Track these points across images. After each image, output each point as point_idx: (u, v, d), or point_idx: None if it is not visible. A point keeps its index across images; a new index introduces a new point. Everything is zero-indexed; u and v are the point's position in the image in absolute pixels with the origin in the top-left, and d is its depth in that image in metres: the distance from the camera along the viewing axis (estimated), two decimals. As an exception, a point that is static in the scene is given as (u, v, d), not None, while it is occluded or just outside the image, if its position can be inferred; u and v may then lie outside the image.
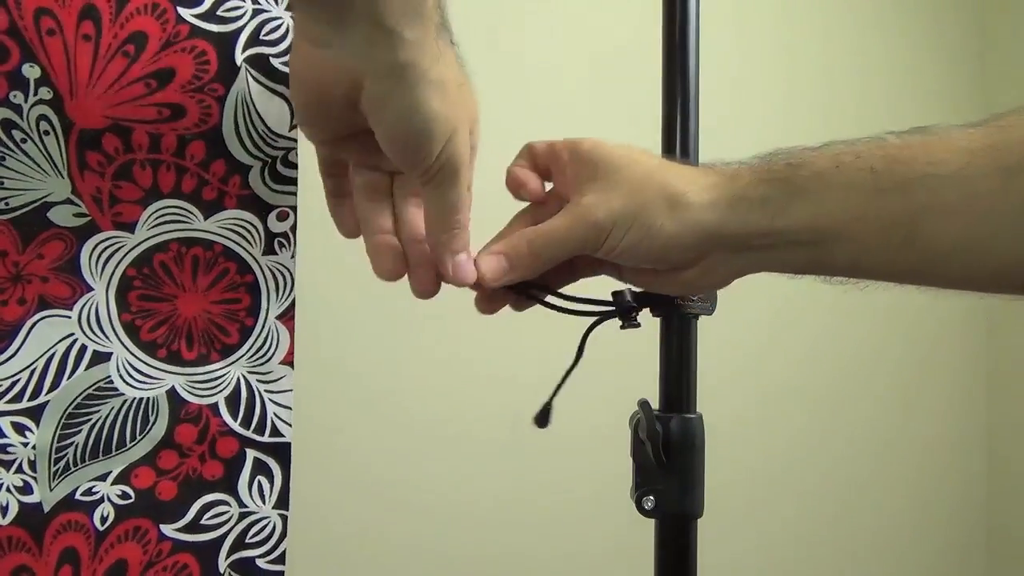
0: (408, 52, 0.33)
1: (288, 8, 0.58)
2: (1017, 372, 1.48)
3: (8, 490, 0.53)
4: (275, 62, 0.57)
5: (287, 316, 0.59)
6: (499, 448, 1.12)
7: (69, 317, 0.55)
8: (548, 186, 0.48)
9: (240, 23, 0.56)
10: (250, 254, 0.58)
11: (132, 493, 0.56)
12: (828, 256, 0.39)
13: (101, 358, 0.55)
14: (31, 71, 0.52)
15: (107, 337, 0.55)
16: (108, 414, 0.56)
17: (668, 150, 0.53)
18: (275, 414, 0.59)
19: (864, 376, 1.42)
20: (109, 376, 0.56)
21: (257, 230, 0.58)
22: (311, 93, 0.37)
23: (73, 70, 0.53)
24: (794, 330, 1.33)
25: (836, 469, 1.40)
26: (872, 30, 1.43)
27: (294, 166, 0.58)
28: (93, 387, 0.55)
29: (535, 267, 0.42)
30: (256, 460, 0.59)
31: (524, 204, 0.48)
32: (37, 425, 0.54)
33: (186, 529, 0.57)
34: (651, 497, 0.46)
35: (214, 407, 0.58)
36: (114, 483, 0.56)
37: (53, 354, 0.54)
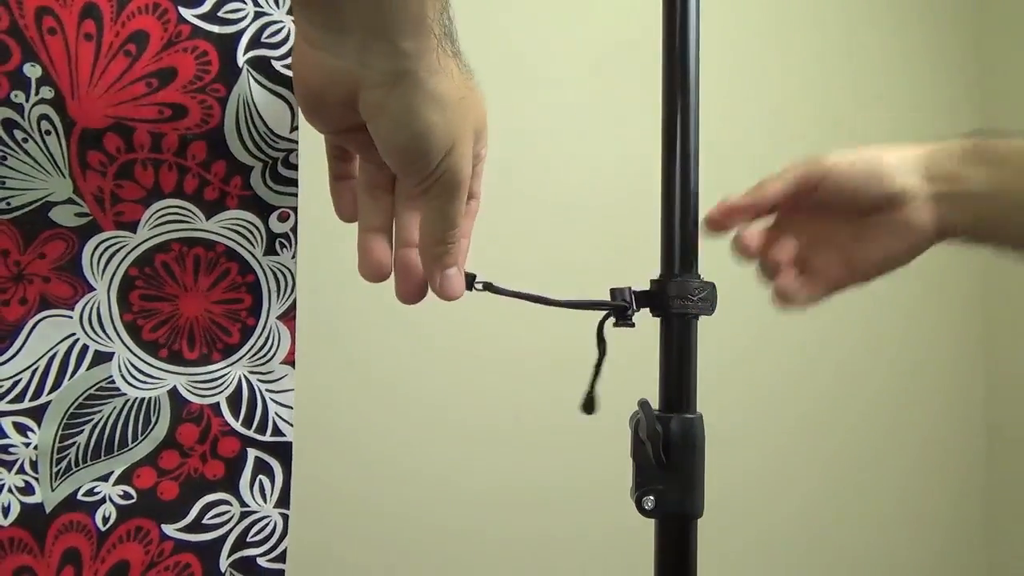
0: (405, 62, 0.32)
1: (289, 11, 0.58)
2: (1014, 372, 1.48)
3: (10, 491, 0.53)
4: (276, 65, 0.57)
5: (288, 316, 0.60)
6: (500, 448, 1.13)
7: (71, 317, 0.55)
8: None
9: (242, 25, 0.57)
10: (251, 254, 0.58)
11: (134, 493, 0.56)
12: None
13: (103, 358, 0.55)
14: (32, 70, 0.52)
15: (109, 337, 0.55)
16: (110, 414, 0.56)
17: (668, 150, 0.53)
18: (276, 414, 0.59)
19: (863, 376, 1.43)
20: (111, 376, 0.56)
21: (258, 230, 0.58)
22: (311, 91, 0.37)
23: (74, 69, 0.53)
24: (793, 330, 1.33)
25: (835, 469, 1.40)
26: (868, 28, 1.43)
27: (295, 167, 0.59)
28: (95, 387, 0.55)
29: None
30: (257, 460, 0.59)
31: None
32: (39, 425, 0.54)
33: (188, 529, 0.57)
34: (651, 497, 0.46)
35: (215, 407, 0.58)
36: (116, 483, 0.56)
37: (55, 354, 0.54)
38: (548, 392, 1.05)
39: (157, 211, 0.56)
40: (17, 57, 0.52)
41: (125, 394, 0.56)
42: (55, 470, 0.54)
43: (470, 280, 0.43)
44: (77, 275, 0.55)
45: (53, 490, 0.54)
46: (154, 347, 0.57)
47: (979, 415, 1.53)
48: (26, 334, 0.54)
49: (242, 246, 0.58)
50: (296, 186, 0.59)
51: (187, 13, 0.55)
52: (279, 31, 0.58)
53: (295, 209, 0.59)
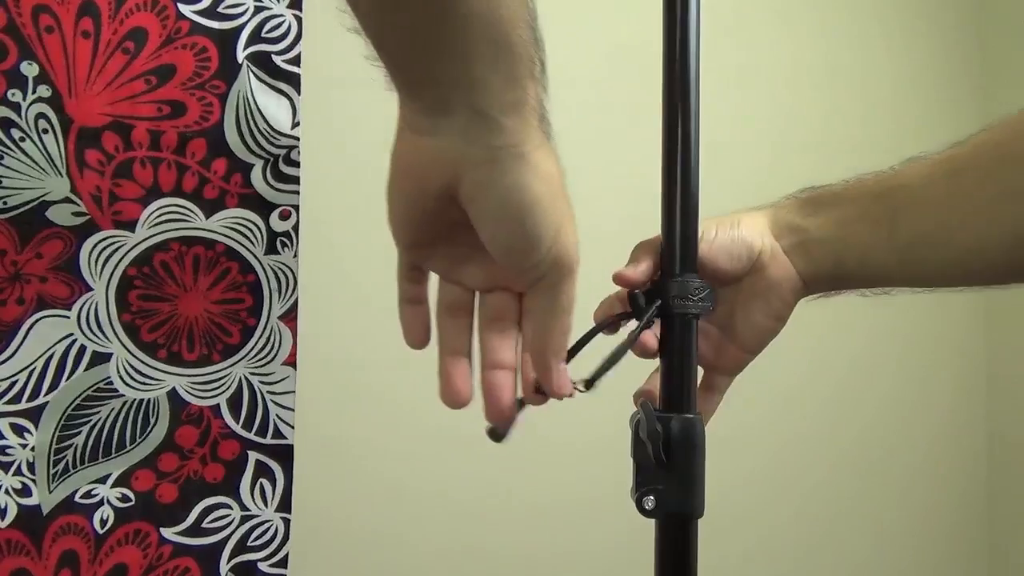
0: (506, 136, 0.32)
1: (290, 5, 0.57)
2: (1017, 376, 1.48)
3: (7, 492, 0.52)
4: (277, 60, 0.57)
5: (290, 316, 0.59)
6: (501, 450, 1.12)
7: (68, 317, 0.54)
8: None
9: (241, 20, 0.56)
10: (252, 253, 0.58)
11: (132, 496, 0.55)
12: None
13: (101, 359, 0.55)
14: (29, 69, 0.51)
15: (107, 337, 0.55)
16: (108, 415, 0.55)
17: (668, 151, 0.52)
18: (277, 416, 0.59)
19: (864, 377, 1.43)
20: (109, 377, 0.55)
21: (259, 229, 0.58)
22: (410, 183, 0.36)
23: (72, 67, 0.52)
24: (794, 331, 1.33)
25: (836, 470, 1.40)
26: (873, 32, 1.43)
27: (297, 164, 0.58)
28: (93, 388, 0.55)
29: None
30: (258, 463, 0.58)
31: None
32: (36, 426, 0.53)
33: (187, 532, 0.56)
34: (651, 497, 0.46)
35: (215, 408, 0.57)
36: (114, 485, 0.55)
37: (52, 355, 0.54)
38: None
39: (156, 210, 0.55)
40: (14, 55, 0.51)
41: (123, 395, 0.55)
42: (52, 472, 0.54)
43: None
44: (75, 275, 0.54)
45: (50, 492, 0.53)
46: (153, 348, 0.56)
47: (981, 421, 1.53)
48: (23, 334, 0.53)
49: (242, 245, 0.57)
50: (298, 183, 0.58)
51: (186, 9, 0.55)
52: (279, 25, 0.57)
53: (297, 207, 0.59)
